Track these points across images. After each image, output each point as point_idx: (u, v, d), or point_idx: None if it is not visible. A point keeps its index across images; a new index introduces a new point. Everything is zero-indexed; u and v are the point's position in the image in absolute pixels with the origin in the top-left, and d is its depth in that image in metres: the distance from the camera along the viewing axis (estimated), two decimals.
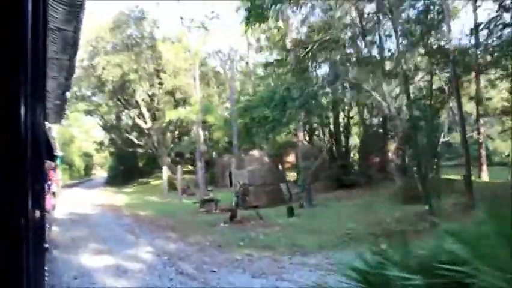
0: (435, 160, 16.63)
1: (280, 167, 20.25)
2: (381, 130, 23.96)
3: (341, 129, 23.69)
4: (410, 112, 13.98)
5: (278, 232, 13.32)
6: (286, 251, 10.55)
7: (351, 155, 23.35)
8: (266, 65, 21.63)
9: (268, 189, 18.74)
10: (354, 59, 14.92)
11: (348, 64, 14.45)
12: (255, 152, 20.23)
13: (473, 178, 21.14)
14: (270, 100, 19.38)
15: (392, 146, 23.34)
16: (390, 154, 23.15)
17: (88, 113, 44.36)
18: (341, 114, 23.70)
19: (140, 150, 44.38)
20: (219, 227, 14.90)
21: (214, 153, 44.41)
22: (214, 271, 8.31)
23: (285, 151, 35.71)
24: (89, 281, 7.16)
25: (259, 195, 18.46)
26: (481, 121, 22.59)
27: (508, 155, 29.00)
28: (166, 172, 24.56)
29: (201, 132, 23.04)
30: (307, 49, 13.39)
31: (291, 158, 35.76)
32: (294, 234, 12.63)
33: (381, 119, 23.14)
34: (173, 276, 7.73)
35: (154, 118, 35.66)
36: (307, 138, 26.88)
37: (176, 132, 41.76)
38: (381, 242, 9.61)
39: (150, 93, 32.96)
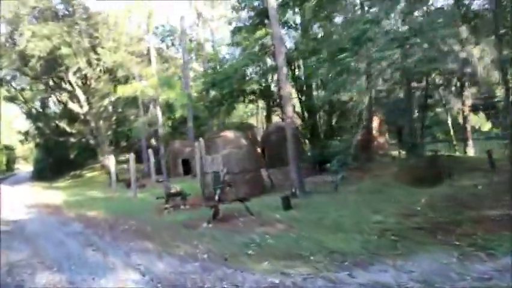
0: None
1: (258, 150, 17.11)
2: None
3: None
4: None
5: (287, 232, 10.31)
6: (326, 261, 7.60)
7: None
8: (237, 29, 18.23)
9: (248, 177, 15.64)
10: None
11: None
12: (228, 133, 16.92)
13: (458, 154, 19.37)
14: (241, 71, 16.27)
15: (375, 123, 21.06)
16: (374, 132, 20.89)
17: (8, 100, 38.54)
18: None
19: (72, 140, 39.38)
20: (203, 229, 11.63)
21: (153, 140, 40.47)
22: None
23: None
24: None
25: (238, 185, 15.32)
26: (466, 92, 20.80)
27: (479, 129, 28.04)
28: (112, 162, 20.60)
29: (159, 112, 19.21)
30: None
31: None
32: (311, 234, 9.70)
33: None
34: None
35: (89, 102, 31.07)
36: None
37: (113, 118, 37.34)
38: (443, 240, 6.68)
39: (86, 72, 28.26)
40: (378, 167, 18.28)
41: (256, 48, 17.47)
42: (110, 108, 31.26)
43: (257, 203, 14.56)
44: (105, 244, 10.04)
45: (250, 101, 19.51)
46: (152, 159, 23.82)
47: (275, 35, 14.74)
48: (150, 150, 23.49)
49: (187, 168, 28.12)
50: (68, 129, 35.59)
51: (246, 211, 12.59)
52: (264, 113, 33.41)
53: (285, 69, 14.59)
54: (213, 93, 17.86)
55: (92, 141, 37.08)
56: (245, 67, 15.79)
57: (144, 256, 8.68)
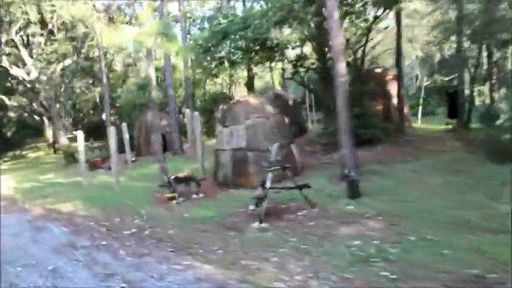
0: None
1: (286, 119, 13.50)
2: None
3: None
4: None
5: (395, 233, 7.03)
6: None
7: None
8: None
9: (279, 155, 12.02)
10: None
11: None
12: (250, 98, 13.11)
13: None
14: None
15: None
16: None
17: None
18: None
19: (11, 114, 33.65)
20: (255, 231, 8.10)
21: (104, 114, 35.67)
22: None
23: (216, 106, 28.94)
24: None
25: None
26: None
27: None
28: (81, 138, 16.19)
29: (152, 72, 14.82)
30: None
31: None
32: (441, 237, 6.53)
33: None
34: None
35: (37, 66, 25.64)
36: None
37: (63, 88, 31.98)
38: None
39: (35, 29, 22.86)
40: (423, 140, 15.36)
41: None
42: (66, 74, 26.05)
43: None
44: (133, 269, 6.20)
45: (267, 59, 15.56)
46: (127, 136, 19.48)
47: None
48: (125, 124, 19.14)
49: (164, 144, 23.95)
50: (7, 102, 29.94)
51: (306, 202, 9.14)
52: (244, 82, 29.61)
53: (336, 14, 10.98)
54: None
55: (36, 116, 31.78)
56: (279, 11, 11.91)
57: None
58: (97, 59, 33.01)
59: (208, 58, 14.17)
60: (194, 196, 11.53)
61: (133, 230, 8.77)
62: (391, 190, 9.96)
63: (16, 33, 22.71)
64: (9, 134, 42.24)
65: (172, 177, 11.85)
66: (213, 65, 14.54)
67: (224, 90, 31.61)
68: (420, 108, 23.50)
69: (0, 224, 10.10)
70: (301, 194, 9.20)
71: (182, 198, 11.29)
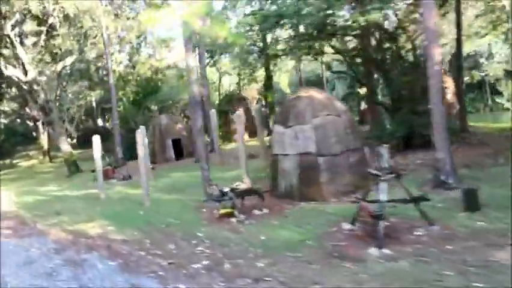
0: None
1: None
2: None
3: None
4: None
5: None
6: None
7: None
8: None
9: (352, 160, 10.01)
10: None
11: None
12: (315, 93, 10.96)
13: None
14: None
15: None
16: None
17: None
18: None
19: (2, 121, 31.11)
20: (377, 259, 6.07)
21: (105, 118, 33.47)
22: None
23: (231, 107, 27.12)
24: None
25: (340, 173, 9.82)
26: None
27: None
28: (97, 144, 13.94)
29: (192, 62, 12.48)
30: None
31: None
32: None
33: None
34: None
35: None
36: None
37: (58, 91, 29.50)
38: None
39: (31, 25, 20.43)
40: (498, 139, 13.55)
41: None
42: (62, 75, 23.66)
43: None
44: None
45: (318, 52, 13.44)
46: (146, 140, 17.14)
47: None
48: (143, 127, 16.68)
49: (179, 150, 21.82)
50: None
51: (422, 218, 7.15)
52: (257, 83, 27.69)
53: None
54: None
55: (30, 122, 29.28)
56: None
57: None
58: (93, 60, 30.89)
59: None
60: (257, 212, 9.42)
61: (205, 263, 6.64)
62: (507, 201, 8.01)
63: (12, 28, 20.22)
64: None
65: (226, 189, 9.74)
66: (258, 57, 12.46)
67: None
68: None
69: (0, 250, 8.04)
70: (417, 209, 7.19)
71: (243, 215, 9.17)
